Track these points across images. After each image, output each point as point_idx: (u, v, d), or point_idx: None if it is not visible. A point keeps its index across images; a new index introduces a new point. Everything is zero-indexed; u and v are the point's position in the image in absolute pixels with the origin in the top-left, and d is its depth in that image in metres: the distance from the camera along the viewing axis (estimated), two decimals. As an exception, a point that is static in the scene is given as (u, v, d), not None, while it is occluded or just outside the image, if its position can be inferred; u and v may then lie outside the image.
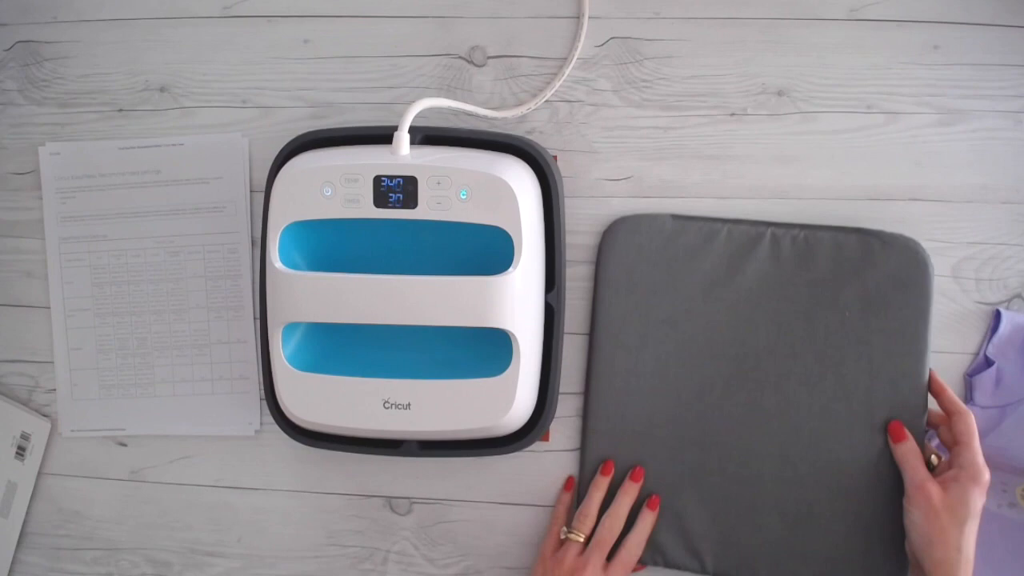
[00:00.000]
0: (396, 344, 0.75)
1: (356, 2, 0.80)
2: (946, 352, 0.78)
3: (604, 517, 0.75)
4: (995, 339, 0.77)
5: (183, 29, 0.81)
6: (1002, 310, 0.77)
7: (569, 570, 0.73)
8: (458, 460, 0.80)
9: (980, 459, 0.69)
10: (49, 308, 0.83)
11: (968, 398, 0.77)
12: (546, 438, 0.80)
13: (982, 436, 0.75)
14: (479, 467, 0.81)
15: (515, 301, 0.69)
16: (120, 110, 0.82)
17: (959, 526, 0.68)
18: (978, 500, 0.68)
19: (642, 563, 0.76)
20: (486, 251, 0.70)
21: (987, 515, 0.77)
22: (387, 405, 0.71)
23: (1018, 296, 0.78)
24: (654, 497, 0.75)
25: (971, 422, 0.70)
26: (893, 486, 0.72)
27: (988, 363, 0.77)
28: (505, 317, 0.68)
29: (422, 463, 0.81)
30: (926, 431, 0.73)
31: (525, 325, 0.70)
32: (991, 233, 0.78)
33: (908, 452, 0.71)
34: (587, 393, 0.77)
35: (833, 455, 0.73)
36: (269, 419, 0.79)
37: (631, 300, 0.76)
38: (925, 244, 0.78)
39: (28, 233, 0.83)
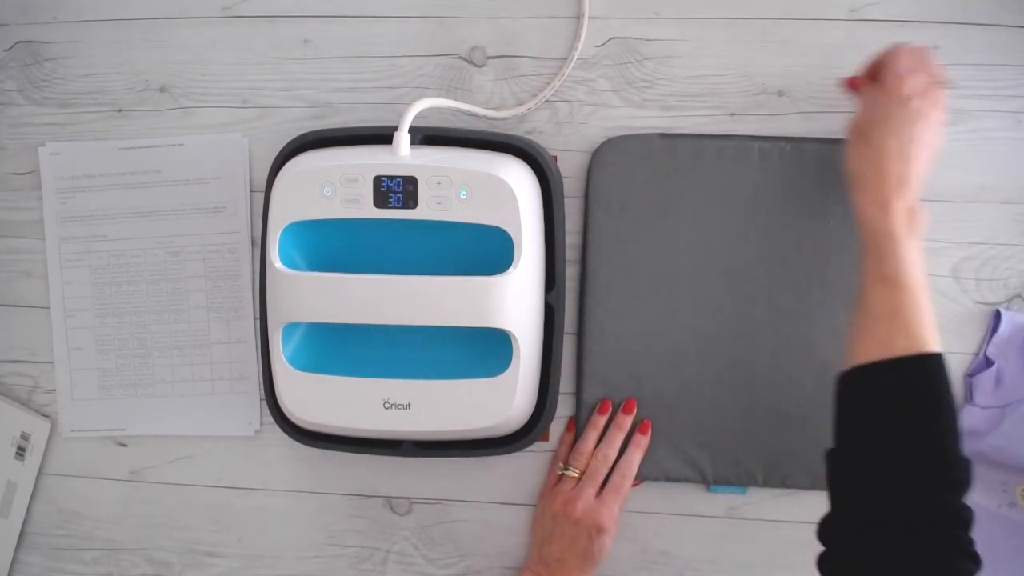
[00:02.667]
0: (396, 344, 0.75)
1: (356, 2, 0.80)
2: (946, 352, 0.78)
3: (597, 450, 0.77)
4: (995, 339, 0.77)
5: (183, 29, 0.81)
6: (1002, 310, 0.77)
7: (563, 502, 0.75)
8: (458, 460, 0.80)
9: (893, 67, 0.67)
10: (49, 308, 0.83)
11: (968, 398, 0.77)
12: (546, 438, 0.80)
13: (982, 436, 0.76)
14: (479, 467, 0.81)
15: (515, 301, 0.69)
16: (120, 110, 0.82)
17: (862, 134, 0.67)
18: (881, 104, 0.66)
19: (643, 479, 0.78)
20: (486, 251, 0.70)
21: (987, 515, 0.77)
22: (387, 405, 0.71)
23: (1018, 296, 0.78)
24: (645, 422, 0.77)
25: (896, 49, 0.68)
26: None
27: (988, 363, 0.77)
28: (505, 317, 0.68)
29: (422, 463, 0.81)
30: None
31: (525, 325, 0.70)
32: (991, 233, 0.78)
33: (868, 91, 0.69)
34: (581, 319, 0.78)
35: (820, 357, 0.76)
36: (269, 419, 0.79)
37: (623, 221, 0.77)
38: (925, 244, 0.77)
39: (28, 233, 0.83)
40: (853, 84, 0.73)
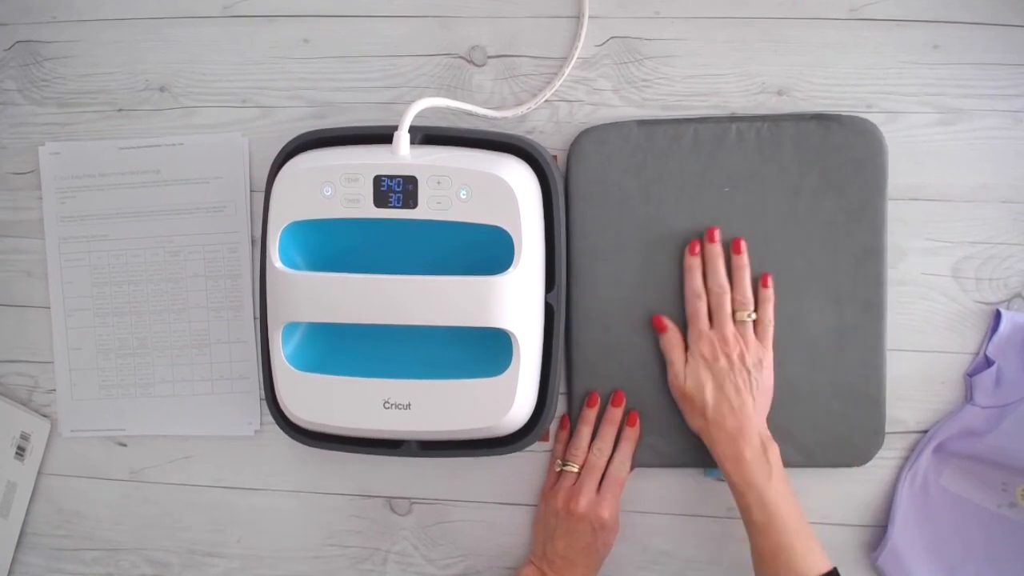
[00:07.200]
0: (396, 344, 0.75)
1: (356, 2, 0.80)
2: (946, 352, 0.78)
3: (592, 445, 0.77)
4: (995, 339, 0.77)
5: (183, 29, 0.81)
6: (1002, 310, 0.77)
7: (565, 498, 0.75)
8: (458, 460, 0.80)
9: (692, 330, 0.75)
10: (49, 308, 0.83)
11: (968, 398, 0.77)
12: (546, 438, 0.80)
13: (982, 436, 0.76)
14: (479, 467, 0.81)
15: (515, 301, 0.69)
16: (120, 110, 0.82)
17: (688, 399, 0.74)
18: (693, 368, 0.74)
19: (634, 467, 0.78)
20: (486, 251, 0.70)
21: (987, 515, 0.77)
22: (387, 405, 0.71)
23: (1018, 296, 0.78)
24: (632, 414, 0.78)
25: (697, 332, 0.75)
26: (862, 351, 0.76)
27: (988, 363, 0.77)
28: (505, 317, 0.68)
29: (422, 463, 0.81)
30: None
31: (525, 325, 0.70)
32: (991, 233, 0.78)
33: (667, 342, 0.76)
34: (569, 310, 0.78)
35: (807, 333, 0.76)
36: (269, 419, 0.79)
37: (604, 211, 0.77)
38: (925, 244, 0.78)
39: (28, 233, 0.83)
40: (660, 325, 0.77)
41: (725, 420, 0.72)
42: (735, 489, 0.72)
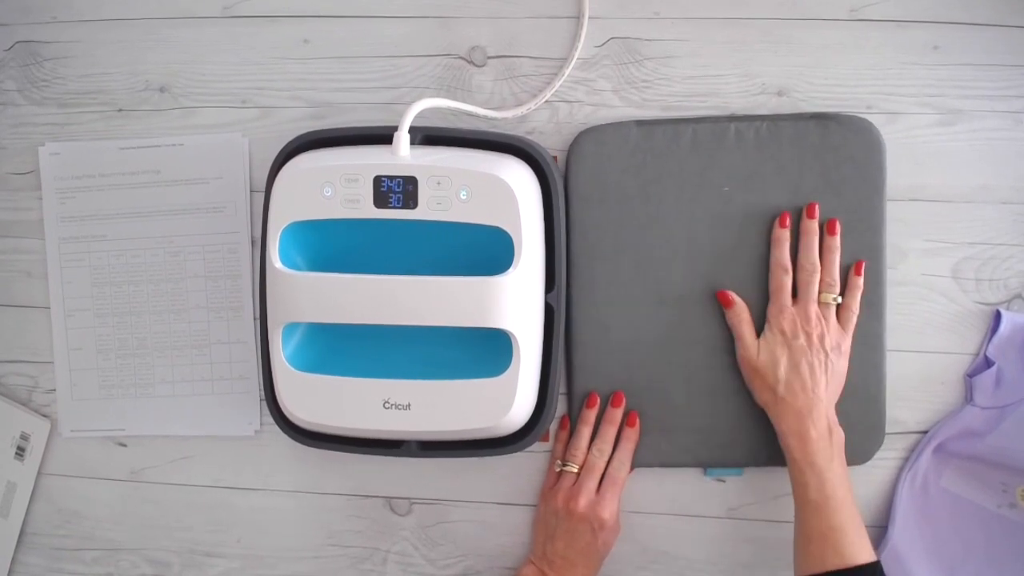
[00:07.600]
0: (396, 344, 0.75)
1: (356, 2, 0.80)
2: (946, 352, 0.78)
3: (592, 446, 0.77)
4: (995, 339, 0.77)
5: (183, 29, 0.81)
6: (1002, 310, 0.77)
7: (565, 498, 0.75)
8: (458, 460, 0.80)
9: (774, 304, 0.74)
10: (49, 308, 0.83)
11: (968, 398, 0.77)
12: (546, 438, 0.80)
13: (982, 436, 0.76)
14: (479, 467, 0.81)
15: (515, 301, 0.69)
16: (120, 110, 0.82)
17: (758, 372, 0.73)
18: (770, 343, 0.73)
19: (635, 467, 0.78)
20: (486, 251, 0.70)
21: (987, 515, 0.77)
22: (387, 405, 0.71)
23: (1018, 296, 0.78)
24: (632, 414, 0.77)
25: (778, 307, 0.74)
26: (862, 350, 0.76)
27: (988, 363, 0.77)
28: (505, 317, 0.68)
29: (422, 463, 0.81)
30: None
31: (525, 325, 0.70)
32: (991, 233, 0.78)
33: (735, 316, 0.75)
34: (569, 311, 0.78)
35: None
36: (269, 419, 0.79)
37: (603, 211, 0.77)
38: (925, 245, 0.78)
39: (28, 233, 0.83)
40: (726, 300, 0.76)
41: (795, 398, 0.71)
42: (795, 466, 0.71)
